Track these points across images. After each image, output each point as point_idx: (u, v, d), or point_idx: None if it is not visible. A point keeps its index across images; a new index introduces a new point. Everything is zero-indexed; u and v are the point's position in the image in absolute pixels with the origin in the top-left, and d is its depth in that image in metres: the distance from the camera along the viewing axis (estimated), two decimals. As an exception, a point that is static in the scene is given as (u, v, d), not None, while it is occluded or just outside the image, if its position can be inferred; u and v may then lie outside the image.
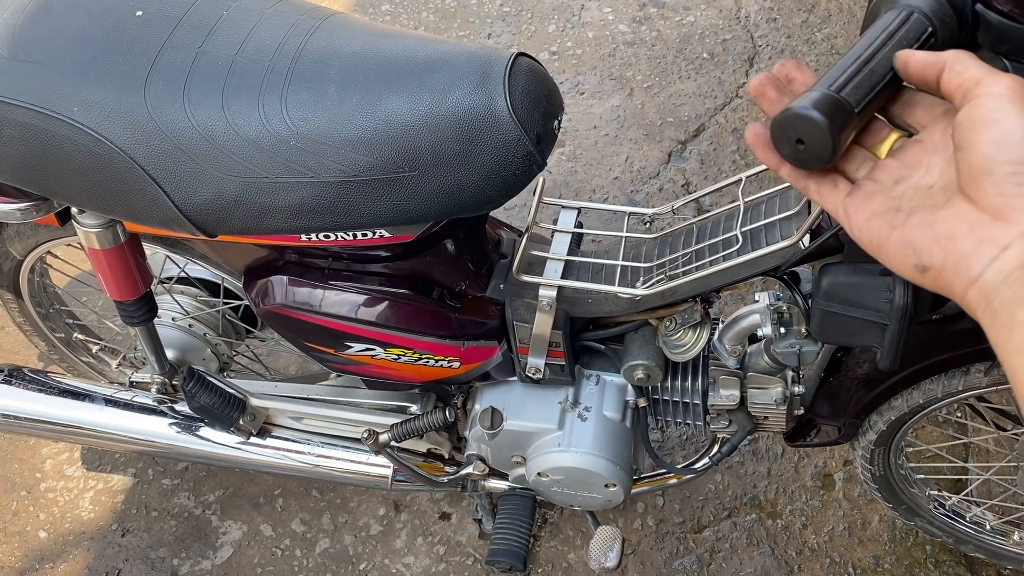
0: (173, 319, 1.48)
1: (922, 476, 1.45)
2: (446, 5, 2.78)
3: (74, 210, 1.11)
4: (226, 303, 1.49)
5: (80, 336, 1.66)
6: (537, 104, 0.96)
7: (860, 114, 0.51)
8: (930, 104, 0.55)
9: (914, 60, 0.52)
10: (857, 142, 0.57)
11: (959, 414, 1.70)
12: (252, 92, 0.95)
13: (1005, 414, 1.36)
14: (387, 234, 1.05)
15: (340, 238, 1.05)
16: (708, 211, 1.16)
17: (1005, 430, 1.37)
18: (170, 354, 1.45)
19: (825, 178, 0.56)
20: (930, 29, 0.54)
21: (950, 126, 0.52)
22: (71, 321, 1.64)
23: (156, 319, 1.31)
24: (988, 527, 1.47)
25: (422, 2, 2.80)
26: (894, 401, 1.22)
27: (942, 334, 1.10)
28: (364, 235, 1.05)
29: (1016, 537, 1.46)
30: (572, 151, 2.33)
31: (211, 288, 1.51)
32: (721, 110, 2.37)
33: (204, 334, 1.49)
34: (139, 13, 0.99)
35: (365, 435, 1.25)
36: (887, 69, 0.52)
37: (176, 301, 1.47)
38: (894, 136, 0.56)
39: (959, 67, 0.50)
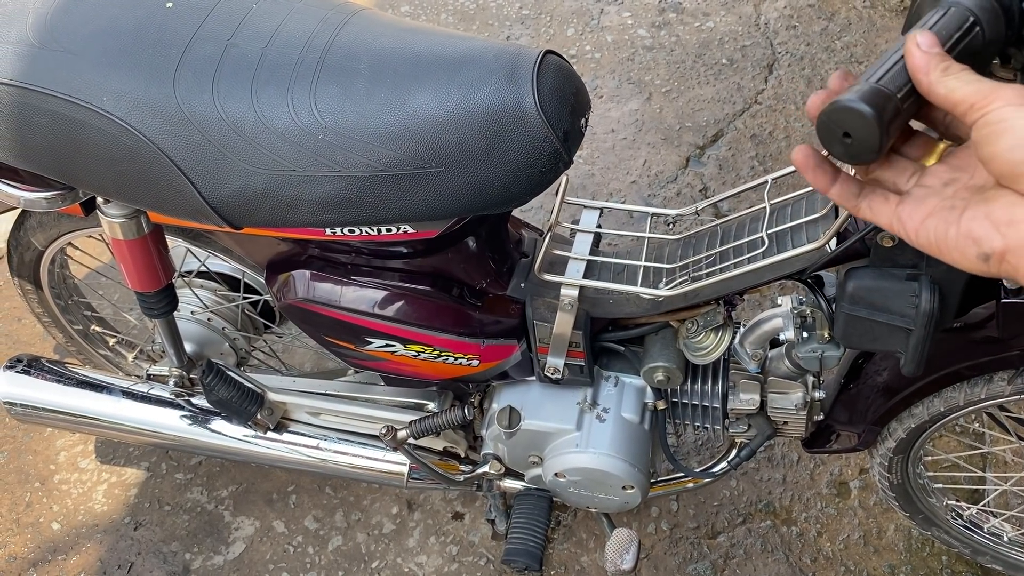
0: (192, 313, 1.48)
1: (940, 486, 1.44)
2: (465, 7, 2.78)
3: (99, 200, 1.12)
4: (246, 298, 1.49)
5: (98, 328, 1.66)
6: (565, 102, 0.96)
7: (904, 100, 0.51)
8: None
9: (911, 61, 0.53)
10: (905, 154, 0.57)
11: (977, 423, 1.69)
12: (281, 85, 0.95)
13: (1026, 424, 1.35)
14: (411, 230, 1.05)
15: (364, 233, 1.05)
16: (728, 215, 1.15)
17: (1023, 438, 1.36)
18: (189, 348, 1.45)
19: (875, 194, 0.57)
20: (977, 28, 0.53)
21: None
22: (89, 313, 1.64)
23: (175, 312, 1.31)
24: (1006, 539, 1.46)
25: (441, 4, 2.80)
26: (915, 409, 1.21)
27: (965, 342, 1.09)
28: (388, 230, 1.05)
29: (1034, 549, 1.45)
30: (590, 154, 2.33)
31: (231, 283, 1.51)
32: (740, 116, 2.37)
33: (223, 328, 1.50)
34: (169, 4, 0.99)
35: (383, 431, 1.25)
36: None
37: (196, 295, 1.48)
38: (942, 146, 0.57)
39: (951, 91, 0.51)
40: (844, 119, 0.50)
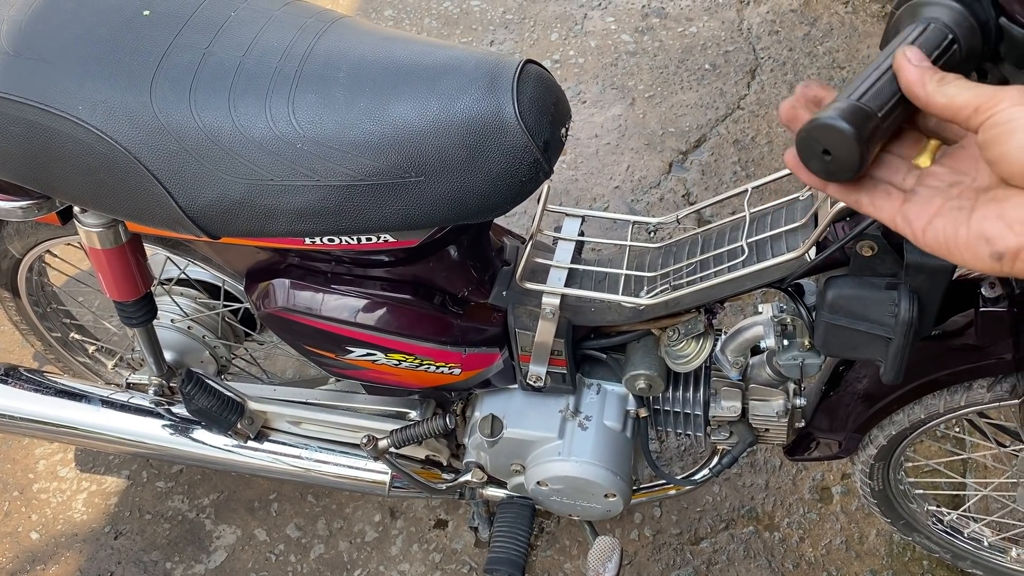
0: (172, 321, 1.47)
1: (921, 491, 1.45)
2: (449, 11, 2.78)
3: (76, 209, 1.11)
4: (226, 306, 1.48)
5: (77, 336, 1.65)
6: (545, 111, 0.96)
7: (884, 119, 0.51)
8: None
9: (904, 76, 0.53)
10: (896, 153, 0.57)
11: (957, 429, 1.70)
12: (259, 94, 0.94)
13: (1005, 430, 1.36)
14: (391, 239, 1.05)
15: (344, 242, 1.04)
16: (710, 222, 1.16)
17: (1004, 446, 1.37)
18: (168, 356, 1.44)
19: (876, 189, 0.56)
20: (955, 45, 0.53)
21: None
22: (68, 321, 1.63)
23: (155, 320, 1.30)
24: (986, 543, 1.47)
25: (424, 8, 2.80)
26: (895, 416, 1.22)
27: (945, 350, 1.10)
28: (368, 239, 1.04)
29: (1014, 554, 1.45)
30: (573, 159, 2.33)
31: (211, 290, 1.50)
32: (723, 121, 2.38)
33: (203, 336, 1.48)
34: (146, 12, 0.99)
35: (364, 440, 1.24)
36: None
37: (175, 303, 1.46)
38: (934, 144, 0.57)
39: (951, 98, 0.51)
40: (824, 136, 0.50)
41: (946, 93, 0.51)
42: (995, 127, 0.50)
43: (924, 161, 0.57)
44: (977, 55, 0.55)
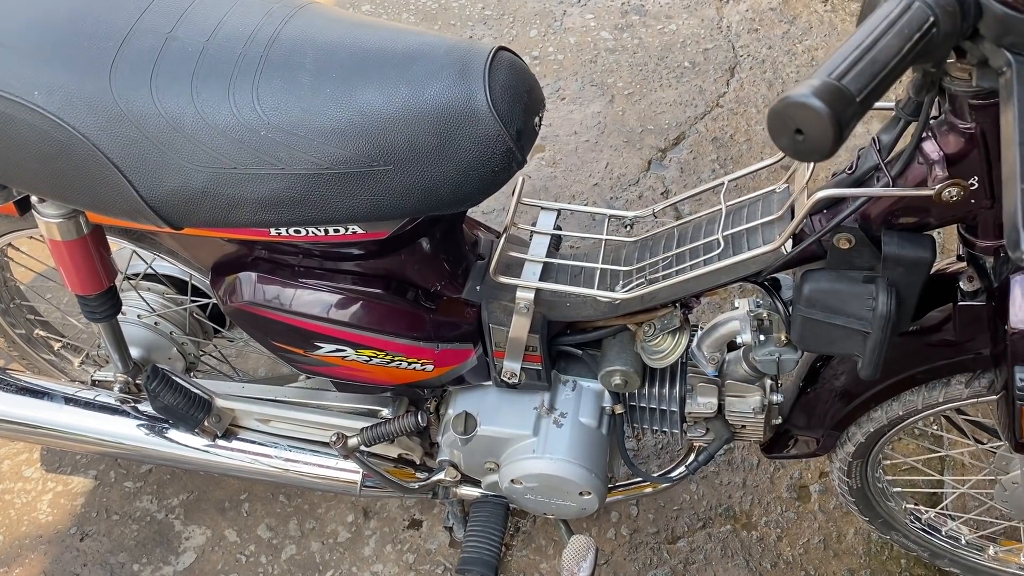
0: (139, 316, 1.43)
1: (898, 489, 1.44)
2: (427, 7, 2.75)
3: (34, 199, 1.07)
4: (194, 301, 1.45)
5: (42, 333, 1.61)
6: (518, 99, 0.94)
7: (862, 102, 0.49)
8: None
9: None
10: None
11: (936, 426, 1.69)
12: (222, 80, 0.92)
13: (982, 427, 1.35)
14: (360, 230, 1.02)
15: (311, 233, 1.01)
16: (687, 216, 1.14)
17: (982, 443, 1.36)
18: (135, 352, 1.40)
19: None
20: (932, 19, 0.51)
21: None
22: (32, 317, 1.59)
23: (121, 316, 1.27)
24: (963, 541, 1.46)
25: (403, 3, 2.77)
26: (873, 413, 1.21)
27: (923, 345, 1.08)
28: (336, 231, 1.02)
29: (991, 551, 1.44)
30: (552, 156, 2.31)
31: (179, 285, 1.46)
32: (701, 119, 2.36)
33: (171, 332, 1.45)
34: (107, -5, 0.96)
35: (333, 439, 1.21)
36: (889, 57, 0.50)
37: (142, 298, 1.43)
38: None
39: None
40: (799, 115, 0.48)
41: None
42: None
43: None
44: (956, 33, 0.53)
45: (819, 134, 0.48)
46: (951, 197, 0.85)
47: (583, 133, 2.36)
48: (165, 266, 1.43)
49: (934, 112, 0.85)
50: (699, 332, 1.20)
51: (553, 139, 2.35)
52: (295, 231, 1.01)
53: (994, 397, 1.08)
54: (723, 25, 2.62)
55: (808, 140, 0.49)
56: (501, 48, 0.96)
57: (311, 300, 1.12)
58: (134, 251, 1.38)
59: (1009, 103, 0.53)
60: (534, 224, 1.21)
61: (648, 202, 2.19)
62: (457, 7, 2.74)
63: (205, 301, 1.45)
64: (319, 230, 1.01)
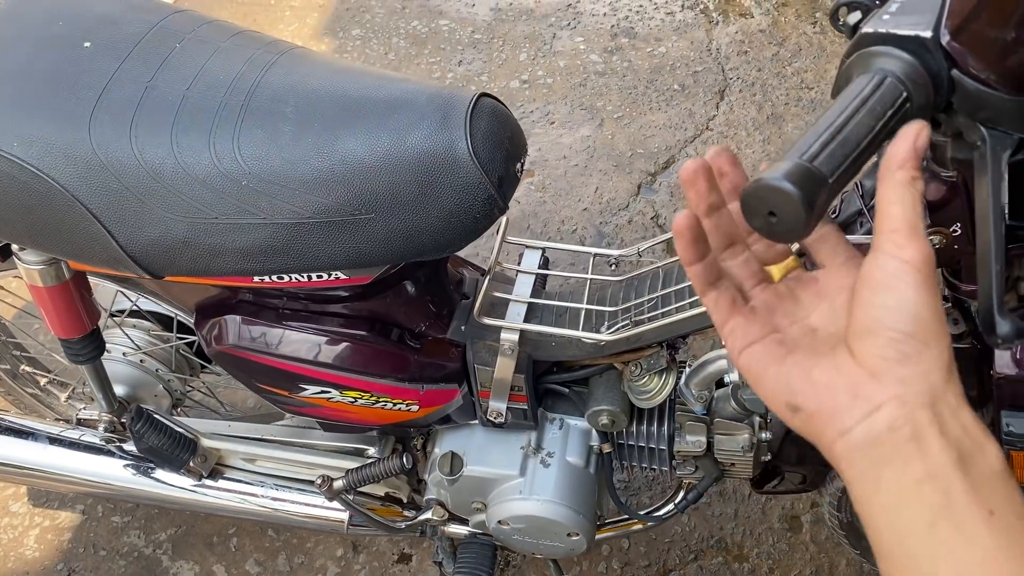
0: (124, 354, 1.43)
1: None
2: (417, 31, 2.75)
3: (14, 247, 1.07)
4: (180, 338, 1.44)
5: (28, 368, 1.59)
6: (499, 146, 0.93)
7: (835, 184, 0.49)
8: (835, 246, 0.54)
9: (897, 148, 0.49)
10: (757, 254, 0.55)
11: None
12: (203, 129, 0.91)
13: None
14: (343, 276, 1.02)
15: (294, 280, 1.01)
16: (673, 258, 1.14)
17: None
18: (120, 390, 1.39)
19: (727, 292, 0.53)
20: (904, 94, 0.51)
21: (846, 276, 0.52)
22: (18, 353, 1.58)
23: (106, 354, 1.26)
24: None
25: (393, 28, 2.77)
26: (862, 449, 1.20)
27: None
28: (319, 277, 1.01)
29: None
30: (541, 181, 2.31)
31: (164, 322, 1.45)
32: (691, 142, 2.37)
33: (156, 370, 1.44)
34: (87, 44, 0.95)
35: (319, 481, 1.20)
36: (861, 136, 0.50)
37: (127, 336, 1.42)
38: (792, 262, 0.54)
39: (892, 210, 0.48)
40: (771, 198, 0.48)
41: (900, 195, 0.48)
42: (882, 270, 0.47)
43: (776, 274, 0.54)
44: (930, 109, 0.53)
45: (791, 217, 0.48)
46: (933, 245, 0.85)
47: (572, 157, 2.36)
48: (150, 303, 1.43)
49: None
50: (687, 370, 1.20)
51: (543, 163, 2.35)
52: (278, 277, 1.00)
53: (982, 436, 1.08)
54: (713, 48, 2.63)
55: (781, 222, 0.48)
56: (483, 94, 0.96)
57: (295, 343, 1.11)
58: (119, 290, 1.37)
59: (983, 177, 0.53)
60: (519, 262, 1.20)
61: (638, 227, 2.19)
62: (447, 31, 2.74)
63: (191, 338, 1.44)
64: (302, 276, 1.00)
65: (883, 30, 0.53)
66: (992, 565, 0.43)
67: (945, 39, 0.52)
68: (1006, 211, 0.52)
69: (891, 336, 0.46)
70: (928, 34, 0.52)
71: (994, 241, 0.52)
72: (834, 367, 0.48)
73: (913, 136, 0.49)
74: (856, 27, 0.63)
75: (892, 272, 0.47)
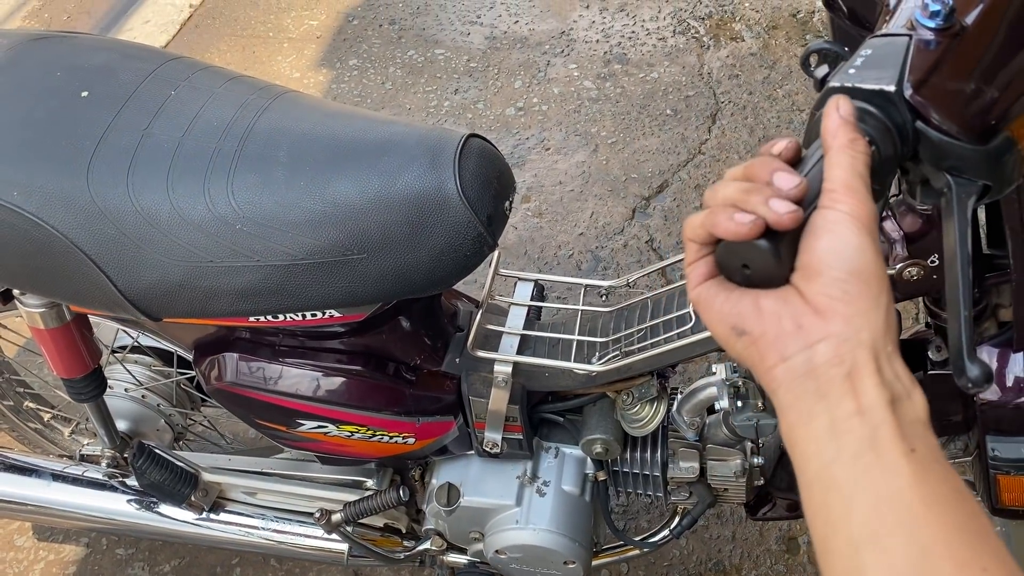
0: (126, 389, 1.45)
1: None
2: (413, 60, 2.79)
3: (16, 291, 1.09)
4: (181, 373, 1.46)
5: (31, 404, 1.62)
6: (488, 186, 0.96)
7: (799, 232, 0.51)
8: None
9: (827, 124, 0.53)
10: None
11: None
12: (198, 175, 0.94)
13: (970, 484, 1.36)
14: (338, 314, 1.04)
15: (289, 319, 1.03)
16: (670, 276, 1.16)
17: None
18: (123, 425, 1.41)
19: (704, 246, 0.57)
20: (874, 149, 0.53)
21: None
22: (22, 390, 1.60)
23: (108, 390, 1.28)
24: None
25: (389, 57, 2.81)
26: (853, 472, 1.21)
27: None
28: (314, 315, 1.03)
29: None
30: (537, 207, 2.33)
31: (165, 357, 1.48)
32: (684, 166, 2.39)
33: (158, 405, 1.46)
34: (85, 94, 0.98)
35: (317, 515, 1.22)
36: None
37: (128, 371, 1.44)
38: None
39: (832, 173, 0.51)
40: (743, 251, 0.51)
41: (838, 161, 0.51)
42: (822, 218, 0.50)
43: None
44: (897, 156, 0.55)
45: (764, 268, 0.51)
46: (912, 276, 0.87)
47: (568, 183, 2.38)
48: (151, 339, 1.45)
49: (893, 190, 0.87)
50: (678, 397, 1.22)
51: (539, 189, 2.37)
52: (273, 317, 1.02)
53: (969, 459, 1.10)
54: (704, 72, 2.66)
55: (756, 273, 0.51)
56: (472, 135, 0.99)
57: (292, 379, 1.13)
58: (119, 328, 1.39)
59: (950, 223, 0.55)
60: (513, 294, 1.23)
61: (633, 251, 2.21)
62: (443, 60, 2.78)
63: (192, 373, 1.46)
64: (297, 315, 1.03)
65: (849, 84, 0.55)
66: (907, 493, 0.47)
67: (908, 92, 0.54)
68: (971, 257, 0.54)
69: (834, 276, 0.49)
70: (892, 88, 0.54)
71: (962, 286, 0.54)
72: (782, 299, 0.51)
73: (835, 107, 0.53)
74: (824, 80, 0.65)
75: (832, 220, 0.50)
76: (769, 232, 0.50)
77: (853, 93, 0.55)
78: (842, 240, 0.49)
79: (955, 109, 0.55)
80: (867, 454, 0.48)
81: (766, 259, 0.50)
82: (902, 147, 0.55)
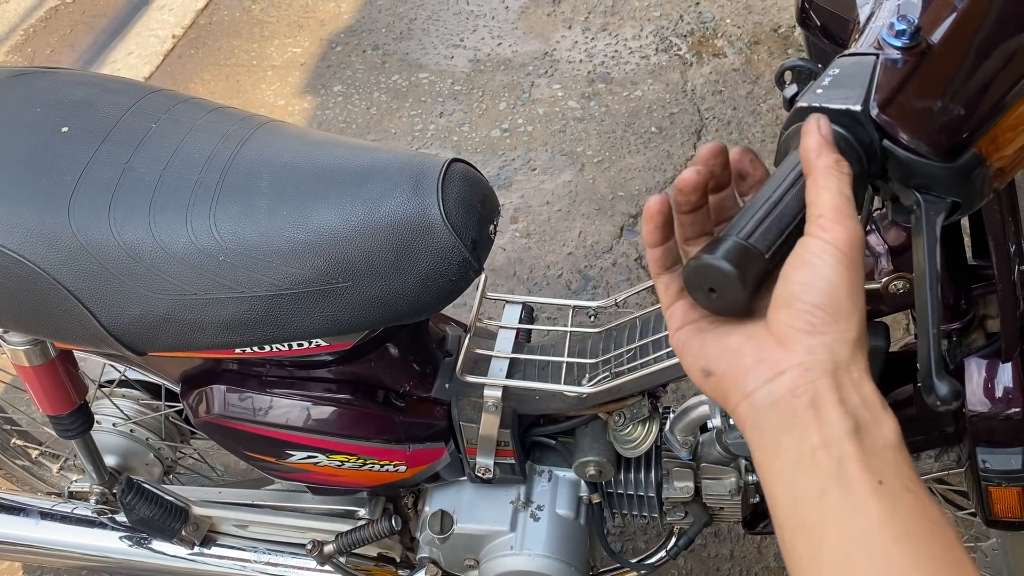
0: (114, 424, 1.43)
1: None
2: (398, 85, 2.80)
3: (-1, 328, 1.08)
4: (169, 406, 1.45)
5: (18, 441, 1.60)
6: (472, 210, 0.96)
7: (771, 258, 0.51)
8: None
9: (807, 143, 0.52)
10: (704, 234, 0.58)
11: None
12: (180, 208, 0.93)
13: (964, 494, 1.35)
14: (324, 343, 1.03)
15: (275, 349, 1.02)
16: (649, 308, 1.15)
17: (962, 508, 1.36)
18: (111, 460, 1.40)
19: (677, 279, 0.57)
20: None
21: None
22: (8, 427, 1.58)
23: (96, 425, 1.27)
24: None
25: (374, 83, 2.82)
26: (848, 487, 1.21)
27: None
28: (300, 345, 1.02)
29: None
30: (525, 227, 2.33)
31: (153, 391, 1.46)
32: (670, 183, 2.40)
33: (147, 439, 1.45)
34: (64, 129, 0.98)
35: (309, 547, 1.21)
36: (796, 211, 0.52)
37: (116, 406, 1.43)
38: None
39: (820, 197, 0.50)
40: (711, 276, 0.50)
41: (827, 184, 0.50)
42: (805, 248, 0.49)
43: None
44: (866, 176, 0.55)
45: (729, 294, 0.50)
46: (898, 290, 0.87)
47: (555, 203, 2.39)
48: (138, 373, 1.44)
49: (877, 204, 0.87)
50: (671, 416, 1.21)
51: (526, 210, 2.38)
52: (259, 347, 1.02)
53: (961, 469, 1.09)
54: (688, 88, 2.67)
55: (720, 298, 0.51)
56: (455, 160, 0.98)
57: (280, 410, 1.12)
58: (106, 363, 1.38)
59: (919, 241, 0.54)
60: (502, 317, 1.22)
61: (622, 269, 2.21)
62: (427, 84, 2.79)
63: (180, 405, 1.45)
64: (283, 345, 1.02)
65: (816, 104, 0.55)
66: (876, 532, 0.45)
67: (874, 112, 0.54)
68: (939, 275, 0.54)
69: (802, 308, 0.49)
70: (858, 108, 0.54)
71: (930, 304, 0.54)
72: (747, 335, 0.51)
73: (815, 127, 0.53)
74: (793, 100, 0.65)
75: (814, 251, 0.49)
76: (739, 259, 0.50)
77: (820, 112, 0.55)
78: (817, 274, 0.48)
79: (922, 127, 0.55)
80: (833, 491, 0.46)
81: (731, 284, 0.50)
82: (869, 166, 0.55)
